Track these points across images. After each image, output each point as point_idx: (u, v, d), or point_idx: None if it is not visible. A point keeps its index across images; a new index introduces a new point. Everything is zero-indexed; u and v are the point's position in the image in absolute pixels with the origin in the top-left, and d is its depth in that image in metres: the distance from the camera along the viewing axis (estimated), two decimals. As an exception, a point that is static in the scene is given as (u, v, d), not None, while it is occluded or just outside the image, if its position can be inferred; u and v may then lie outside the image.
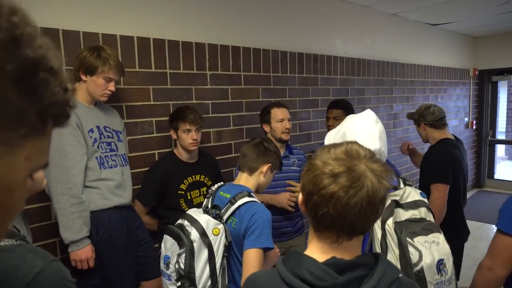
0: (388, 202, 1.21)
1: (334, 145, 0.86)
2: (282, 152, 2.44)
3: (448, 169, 2.36)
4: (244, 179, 1.69)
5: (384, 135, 1.40)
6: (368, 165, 0.80)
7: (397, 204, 1.24)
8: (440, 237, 1.23)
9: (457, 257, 2.39)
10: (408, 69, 4.62)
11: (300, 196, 0.87)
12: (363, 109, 3.90)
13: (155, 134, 2.37)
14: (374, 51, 4.05)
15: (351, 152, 0.82)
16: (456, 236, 2.40)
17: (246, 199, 1.54)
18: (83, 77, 1.80)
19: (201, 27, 2.54)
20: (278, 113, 2.38)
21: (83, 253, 1.76)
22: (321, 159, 0.82)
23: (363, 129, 1.36)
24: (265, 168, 1.68)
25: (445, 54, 5.40)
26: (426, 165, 2.46)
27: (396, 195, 1.24)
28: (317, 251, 0.84)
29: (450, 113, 5.61)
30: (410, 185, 1.36)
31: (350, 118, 1.47)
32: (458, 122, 5.85)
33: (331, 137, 1.47)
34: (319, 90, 3.42)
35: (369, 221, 0.80)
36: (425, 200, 1.30)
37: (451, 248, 1.24)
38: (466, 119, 6.09)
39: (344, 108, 2.57)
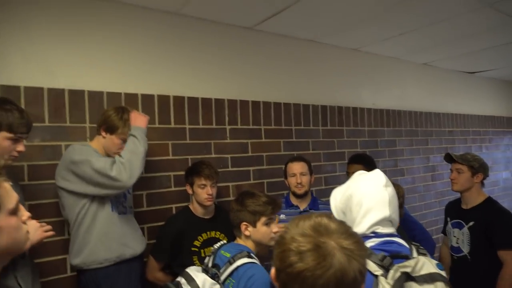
0: (397, 274, 1.07)
1: (304, 218, 0.82)
2: (303, 206, 2.38)
3: None
4: (241, 239, 1.65)
5: (395, 200, 1.30)
6: (338, 242, 0.74)
7: (408, 277, 1.09)
8: None
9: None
10: (445, 119, 4.41)
11: (273, 270, 0.81)
12: (395, 162, 3.73)
13: (173, 188, 2.39)
14: (405, 101, 3.93)
15: (319, 227, 0.77)
16: None
17: (245, 260, 1.50)
18: (103, 134, 1.90)
19: (220, 83, 2.63)
20: (291, 168, 2.41)
21: (139, 118, 1.92)
22: (289, 233, 0.78)
23: (371, 194, 1.27)
24: (243, 228, 1.63)
25: (487, 102, 5.12)
26: (492, 226, 2.19)
27: (407, 266, 1.10)
28: None
29: (498, 165, 5.19)
30: (424, 254, 1.22)
31: (357, 178, 1.38)
32: (509, 174, 5.37)
33: (337, 197, 1.39)
34: (345, 142, 3.33)
35: None
36: (443, 273, 1.13)
37: None
38: (518, 171, 5.59)
39: (364, 163, 2.47)
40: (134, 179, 1.79)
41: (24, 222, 0.91)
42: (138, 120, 1.91)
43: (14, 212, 0.86)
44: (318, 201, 2.49)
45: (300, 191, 2.36)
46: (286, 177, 2.46)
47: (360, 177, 1.36)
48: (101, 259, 1.80)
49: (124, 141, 1.90)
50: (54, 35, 2.02)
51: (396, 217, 1.29)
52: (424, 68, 4.19)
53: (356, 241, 0.76)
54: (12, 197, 0.86)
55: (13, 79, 1.90)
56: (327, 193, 3.11)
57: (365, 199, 1.26)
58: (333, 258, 0.71)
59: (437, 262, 1.17)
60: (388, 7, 2.52)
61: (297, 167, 2.39)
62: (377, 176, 1.31)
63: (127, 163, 1.77)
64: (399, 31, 3.03)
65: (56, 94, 2.02)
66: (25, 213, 0.92)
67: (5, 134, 1.49)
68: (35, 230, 1.46)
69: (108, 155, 1.94)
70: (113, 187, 1.76)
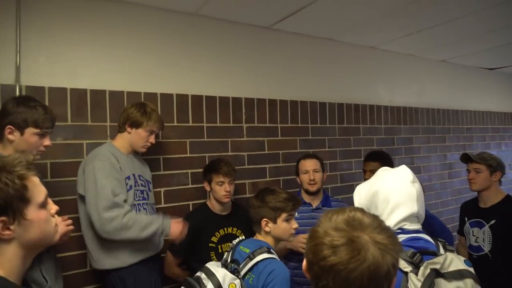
0: (427, 271, 1.07)
1: (337, 212, 0.82)
2: (316, 204, 2.38)
3: None
4: (261, 235, 1.67)
5: (422, 196, 1.30)
6: (371, 236, 0.75)
7: (437, 273, 1.08)
8: None
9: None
10: (463, 116, 4.34)
11: (304, 262, 0.83)
12: (411, 159, 3.69)
13: (190, 185, 2.43)
14: (423, 99, 3.88)
15: (353, 221, 0.78)
16: None
17: (265, 255, 1.52)
18: (128, 129, 1.96)
19: (238, 82, 2.65)
20: (304, 165, 2.41)
21: (176, 226, 1.90)
22: (322, 227, 0.79)
23: (399, 190, 1.26)
24: (263, 225, 1.65)
25: (506, 98, 5.00)
26: None
27: (435, 263, 1.09)
28: None
29: (518, 162, 5.09)
30: (452, 251, 1.21)
31: (383, 174, 1.37)
32: (529, 172, 5.26)
33: (361, 193, 1.38)
34: (362, 140, 3.32)
35: None
36: (471, 269, 1.12)
37: None
38: (539, 168, 5.46)
39: (381, 160, 2.45)
40: (110, 237, 1.76)
41: (53, 215, 0.95)
42: (175, 227, 1.90)
43: (43, 205, 0.90)
44: (330, 198, 2.49)
45: (313, 188, 2.35)
46: (298, 175, 2.45)
47: (386, 173, 1.35)
48: (125, 264, 1.86)
49: (151, 132, 1.97)
50: (77, 37, 2.07)
51: (422, 213, 1.28)
52: (442, 64, 4.12)
53: (389, 235, 0.76)
54: (41, 191, 0.90)
55: (38, 80, 1.96)
56: (343, 190, 3.16)
57: (392, 195, 1.25)
58: (366, 252, 0.72)
59: (465, 258, 1.15)
60: (406, 4, 2.49)
61: (309, 164, 2.39)
62: (404, 172, 1.30)
63: (122, 224, 1.74)
64: (418, 28, 2.99)
65: (79, 94, 2.07)
66: (53, 207, 0.96)
67: (32, 130, 1.55)
68: (58, 224, 1.52)
69: (134, 151, 2.02)
70: (93, 219, 1.75)
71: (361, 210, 0.83)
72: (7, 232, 0.83)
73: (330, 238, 0.75)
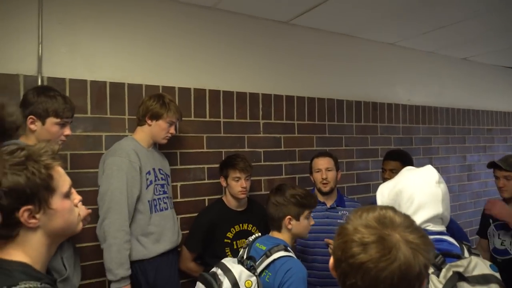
0: (449, 273, 1.04)
1: (367, 209, 0.80)
2: (330, 203, 2.34)
3: None
4: (280, 232, 1.67)
5: (448, 197, 1.26)
6: (403, 236, 0.73)
7: (460, 277, 1.04)
8: None
9: None
10: (484, 116, 4.23)
11: (331, 260, 0.81)
12: (429, 160, 3.62)
13: (206, 181, 2.42)
14: (442, 98, 3.80)
15: (384, 219, 0.76)
16: None
17: (282, 253, 1.52)
18: (149, 122, 1.97)
19: (255, 78, 2.64)
20: (317, 163, 2.35)
21: None
22: (352, 224, 0.78)
23: (423, 191, 1.23)
24: (287, 222, 1.64)
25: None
26: None
27: (458, 266, 1.05)
28: None
29: (540, 165, 4.94)
30: (477, 255, 1.16)
31: (407, 173, 1.34)
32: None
33: (384, 192, 1.35)
34: (379, 139, 3.27)
35: None
36: (497, 275, 1.08)
37: None
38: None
39: (401, 159, 2.40)
40: (98, 234, 1.84)
41: (76, 205, 0.95)
42: None
43: (67, 195, 0.90)
44: (344, 198, 2.45)
45: (325, 188, 2.28)
46: (311, 173, 2.40)
47: (411, 172, 1.32)
48: (145, 257, 1.88)
49: (171, 124, 1.98)
50: (97, 29, 2.09)
51: (447, 215, 1.25)
52: (463, 62, 4.03)
53: (421, 235, 0.74)
54: (65, 181, 0.90)
55: (59, 71, 1.98)
56: (359, 190, 3.12)
57: (417, 195, 1.22)
58: (398, 251, 0.70)
59: (490, 263, 1.11)
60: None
61: (322, 163, 2.33)
62: (430, 172, 1.26)
63: (109, 237, 1.76)
64: (439, 25, 2.92)
65: (98, 87, 2.08)
66: (77, 197, 0.96)
67: (53, 119, 1.57)
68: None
69: (155, 143, 2.03)
70: (100, 212, 1.82)
71: (392, 208, 0.81)
72: (33, 220, 0.83)
73: (360, 235, 0.74)
